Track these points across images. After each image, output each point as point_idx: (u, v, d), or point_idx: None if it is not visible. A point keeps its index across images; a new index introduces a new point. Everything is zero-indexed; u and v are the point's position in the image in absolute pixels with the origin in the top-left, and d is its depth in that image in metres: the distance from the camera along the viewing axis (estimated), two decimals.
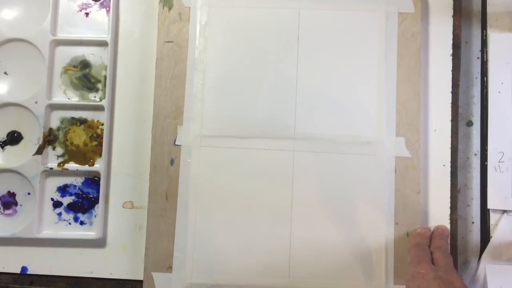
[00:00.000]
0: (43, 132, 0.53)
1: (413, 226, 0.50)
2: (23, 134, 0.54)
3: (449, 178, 0.51)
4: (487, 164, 0.51)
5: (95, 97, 0.54)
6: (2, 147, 0.54)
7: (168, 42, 0.53)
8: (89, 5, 0.55)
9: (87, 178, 0.54)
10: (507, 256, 0.50)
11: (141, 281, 0.51)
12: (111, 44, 0.54)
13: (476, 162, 0.53)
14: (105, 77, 0.54)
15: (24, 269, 0.53)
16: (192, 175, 0.51)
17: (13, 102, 0.53)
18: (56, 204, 0.53)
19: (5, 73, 0.55)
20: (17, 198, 0.53)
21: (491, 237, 0.51)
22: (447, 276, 0.42)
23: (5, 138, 0.54)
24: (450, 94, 0.53)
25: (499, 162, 0.51)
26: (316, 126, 0.51)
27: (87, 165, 0.53)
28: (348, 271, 0.49)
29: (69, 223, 0.53)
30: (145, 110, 0.54)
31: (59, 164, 0.53)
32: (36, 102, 0.53)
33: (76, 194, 0.53)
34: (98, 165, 0.53)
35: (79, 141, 0.54)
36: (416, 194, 0.50)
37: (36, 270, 0.53)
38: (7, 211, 0.53)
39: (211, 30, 0.53)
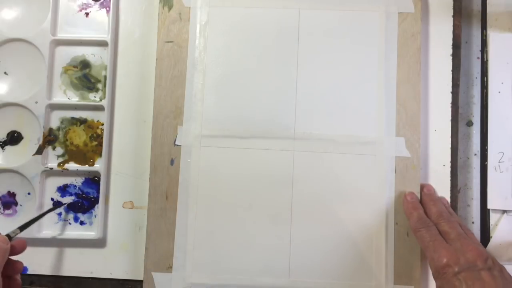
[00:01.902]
0: (43, 132, 0.53)
1: None
2: (23, 134, 0.54)
3: (449, 178, 0.52)
4: (487, 164, 0.51)
5: (95, 97, 0.54)
6: (2, 147, 0.54)
7: (168, 42, 0.53)
8: (89, 5, 0.55)
9: (87, 178, 0.54)
10: (507, 256, 0.50)
11: (141, 281, 0.51)
12: (111, 44, 0.54)
13: (476, 162, 0.53)
14: (105, 77, 0.54)
15: (24, 269, 0.53)
16: (192, 175, 0.51)
17: (13, 102, 0.53)
18: (56, 204, 0.53)
19: (5, 73, 0.55)
20: (17, 198, 0.53)
21: (491, 237, 0.51)
22: (466, 257, 0.42)
23: (5, 138, 0.54)
24: (450, 94, 0.53)
25: (499, 162, 0.51)
26: (316, 126, 0.51)
27: (87, 165, 0.53)
28: (348, 271, 0.49)
29: (69, 223, 0.53)
30: (145, 110, 0.54)
31: (59, 164, 0.53)
32: (36, 102, 0.53)
33: (76, 194, 0.53)
34: (98, 165, 0.53)
35: (79, 141, 0.54)
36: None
37: (36, 270, 0.53)
38: (7, 211, 0.53)
39: (211, 30, 0.53)
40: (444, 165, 0.52)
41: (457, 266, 0.42)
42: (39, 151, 0.53)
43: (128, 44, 0.55)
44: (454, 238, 0.44)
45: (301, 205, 0.50)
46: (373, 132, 0.51)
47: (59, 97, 0.54)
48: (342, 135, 0.51)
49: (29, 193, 0.53)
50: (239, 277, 0.50)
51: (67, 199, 0.53)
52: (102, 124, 0.54)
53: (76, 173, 0.53)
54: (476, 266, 0.41)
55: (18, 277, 0.44)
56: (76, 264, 0.53)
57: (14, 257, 0.44)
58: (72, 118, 0.54)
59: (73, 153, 0.54)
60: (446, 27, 0.53)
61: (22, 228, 0.47)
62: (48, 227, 0.53)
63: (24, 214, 0.53)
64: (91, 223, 0.53)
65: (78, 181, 0.54)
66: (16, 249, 0.44)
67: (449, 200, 0.51)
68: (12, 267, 0.43)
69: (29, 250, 0.51)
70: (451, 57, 0.53)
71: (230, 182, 0.51)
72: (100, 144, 0.53)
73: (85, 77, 0.55)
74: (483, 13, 0.54)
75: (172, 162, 0.51)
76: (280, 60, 0.52)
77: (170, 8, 0.53)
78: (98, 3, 0.55)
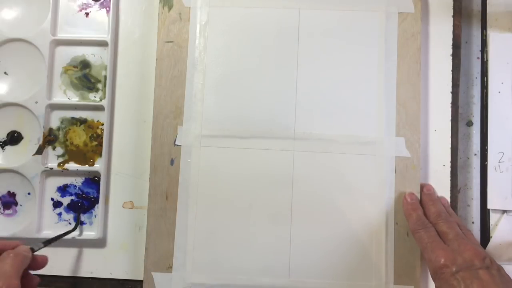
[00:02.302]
0: (43, 132, 0.53)
1: None
2: (23, 134, 0.54)
3: (449, 178, 0.52)
4: (487, 164, 0.51)
5: (95, 97, 0.54)
6: (2, 147, 0.54)
7: (168, 42, 0.53)
8: (89, 5, 0.55)
9: (87, 178, 0.54)
10: (507, 256, 0.50)
11: (141, 281, 0.51)
12: (111, 44, 0.54)
13: (476, 162, 0.53)
14: (105, 77, 0.54)
15: None
16: (192, 175, 0.51)
17: (13, 102, 0.53)
18: (56, 204, 0.53)
19: (5, 73, 0.55)
20: (17, 198, 0.53)
21: (491, 237, 0.51)
22: (463, 257, 0.42)
23: (5, 138, 0.54)
24: (450, 94, 0.53)
25: (499, 162, 0.51)
26: (316, 126, 0.51)
27: (87, 165, 0.53)
28: (348, 271, 0.49)
29: (69, 223, 0.53)
30: (145, 110, 0.54)
31: (59, 164, 0.53)
32: (36, 102, 0.53)
33: (76, 194, 0.53)
34: (98, 165, 0.53)
35: (79, 141, 0.54)
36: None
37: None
38: (7, 211, 0.53)
39: (211, 30, 0.53)
40: (444, 165, 0.52)
41: (455, 266, 0.42)
42: (39, 151, 0.53)
43: (128, 44, 0.55)
44: (452, 238, 0.44)
45: (301, 205, 0.50)
46: (373, 132, 0.51)
47: (59, 97, 0.54)
48: (342, 135, 0.51)
49: (29, 193, 0.53)
50: (239, 277, 0.50)
51: (67, 199, 0.53)
52: (102, 124, 0.54)
53: (76, 173, 0.53)
54: (474, 265, 0.42)
55: None
56: (76, 264, 0.53)
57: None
58: (72, 118, 0.54)
59: (73, 153, 0.54)
60: (446, 27, 0.53)
61: (46, 243, 0.47)
62: (48, 227, 0.53)
63: (24, 214, 0.53)
64: (91, 223, 0.53)
65: (78, 181, 0.54)
66: (38, 263, 0.44)
67: (449, 200, 0.51)
68: (29, 281, 0.43)
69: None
70: (451, 57, 0.53)
71: (230, 182, 0.51)
72: (100, 144, 0.53)
73: (85, 77, 0.55)
74: (483, 13, 0.54)
75: (172, 162, 0.51)
76: (280, 60, 0.52)
77: (170, 8, 0.53)
78: (98, 3, 0.55)
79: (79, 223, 0.52)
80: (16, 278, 0.39)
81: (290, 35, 0.53)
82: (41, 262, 0.44)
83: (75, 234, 0.52)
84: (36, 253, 0.44)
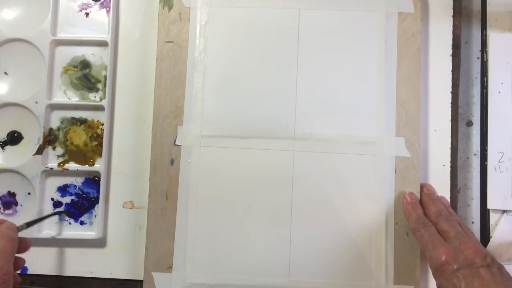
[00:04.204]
0: (43, 132, 0.53)
1: None
2: (23, 134, 0.54)
3: (449, 178, 0.52)
4: (487, 164, 0.51)
5: (95, 97, 0.54)
6: (2, 147, 0.54)
7: (168, 42, 0.53)
8: (89, 5, 0.55)
9: (87, 178, 0.54)
10: (507, 256, 0.50)
11: (141, 281, 0.51)
12: (111, 44, 0.54)
13: (476, 162, 0.53)
14: (105, 77, 0.54)
15: (24, 269, 0.53)
16: (192, 175, 0.51)
17: (13, 102, 0.54)
18: (56, 204, 0.53)
19: (5, 73, 0.55)
20: (17, 198, 0.53)
21: (491, 237, 0.51)
22: (465, 255, 0.42)
23: (5, 138, 0.54)
24: (450, 94, 0.53)
25: (499, 162, 0.51)
26: (315, 126, 0.51)
27: (87, 165, 0.53)
28: (348, 271, 0.49)
29: (69, 223, 0.53)
30: (145, 110, 0.54)
31: (59, 164, 0.53)
32: (36, 102, 0.53)
33: (76, 194, 0.53)
34: (98, 165, 0.53)
35: (79, 141, 0.54)
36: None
37: (36, 270, 0.53)
38: (7, 211, 0.53)
39: (211, 30, 0.53)
40: (444, 165, 0.52)
41: (456, 263, 0.42)
42: (39, 151, 0.53)
43: (128, 44, 0.56)
44: (453, 236, 0.45)
45: (301, 205, 0.50)
46: (373, 132, 0.51)
47: (59, 97, 0.54)
48: (342, 135, 0.51)
49: (29, 193, 0.53)
50: (239, 277, 0.50)
51: (67, 199, 0.53)
52: (102, 124, 0.54)
53: (76, 173, 0.53)
54: (475, 263, 0.42)
55: (16, 274, 0.45)
56: (76, 264, 0.53)
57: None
58: (72, 118, 0.54)
59: (73, 153, 0.54)
60: (446, 27, 0.53)
61: (29, 224, 0.47)
62: (48, 227, 0.53)
63: (24, 214, 0.53)
64: (91, 223, 0.53)
65: (78, 181, 0.54)
66: (22, 246, 0.44)
67: (449, 200, 0.51)
68: (14, 263, 0.43)
69: (29, 250, 0.51)
70: (451, 57, 0.53)
71: (230, 182, 0.51)
72: (100, 144, 0.53)
73: (85, 77, 0.55)
74: (483, 13, 0.54)
75: (172, 162, 0.51)
76: (280, 60, 0.52)
77: (170, 8, 0.53)
78: (98, 3, 0.55)
79: (60, 212, 0.53)
80: (9, 262, 0.40)
81: (290, 35, 0.53)
82: (25, 245, 0.45)
83: (74, 234, 0.52)
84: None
